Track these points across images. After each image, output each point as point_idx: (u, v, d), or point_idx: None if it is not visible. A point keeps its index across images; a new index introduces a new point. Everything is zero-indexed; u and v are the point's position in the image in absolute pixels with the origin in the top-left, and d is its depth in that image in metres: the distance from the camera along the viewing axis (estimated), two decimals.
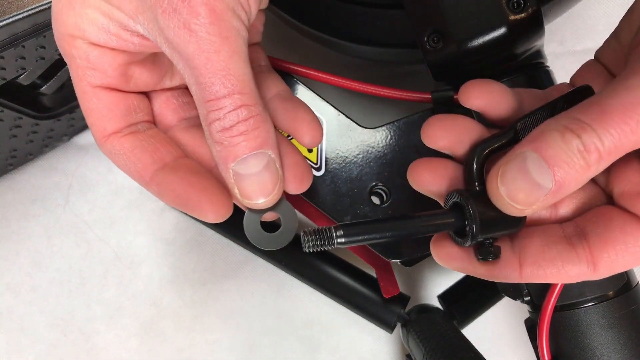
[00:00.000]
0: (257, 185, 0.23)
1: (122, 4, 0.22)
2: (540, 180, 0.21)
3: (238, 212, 0.44)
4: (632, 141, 0.20)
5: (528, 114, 0.24)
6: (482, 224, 0.23)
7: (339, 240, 0.23)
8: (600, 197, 0.25)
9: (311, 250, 0.23)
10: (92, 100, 0.24)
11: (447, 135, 0.25)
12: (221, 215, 0.24)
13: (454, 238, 0.25)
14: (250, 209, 0.24)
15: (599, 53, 0.28)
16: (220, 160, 0.23)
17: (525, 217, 0.24)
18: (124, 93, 0.25)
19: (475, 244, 0.24)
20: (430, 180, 0.25)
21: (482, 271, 0.25)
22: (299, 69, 0.29)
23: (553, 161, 0.20)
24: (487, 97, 0.26)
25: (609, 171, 0.24)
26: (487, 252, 0.24)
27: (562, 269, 0.23)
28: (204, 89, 0.21)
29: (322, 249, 0.23)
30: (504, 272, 0.24)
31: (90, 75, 0.24)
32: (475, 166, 0.24)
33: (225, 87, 0.21)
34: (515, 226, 0.24)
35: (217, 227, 0.44)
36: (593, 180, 0.25)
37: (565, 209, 0.25)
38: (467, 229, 0.23)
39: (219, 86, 0.21)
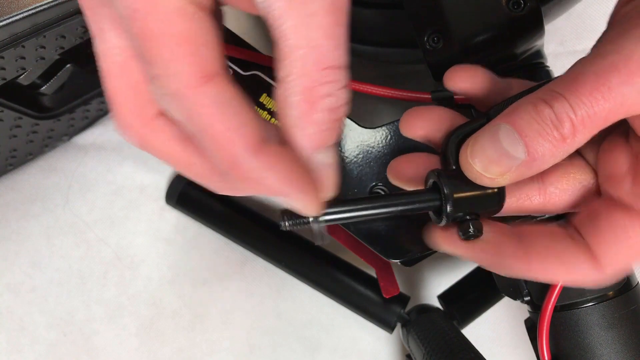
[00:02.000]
0: (333, 178, 0.21)
1: None
2: (511, 150, 0.20)
3: (238, 213, 0.44)
4: (605, 109, 0.19)
5: (505, 100, 0.23)
6: (455, 200, 0.22)
7: (317, 217, 0.21)
8: (596, 188, 0.24)
9: (288, 229, 0.21)
10: (190, 22, 0.17)
11: (425, 125, 0.25)
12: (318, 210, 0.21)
13: (433, 218, 0.24)
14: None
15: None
16: (308, 144, 0.19)
17: (504, 194, 0.23)
18: (214, 19, 0.19)
19: (456, 223, 0.23)
20: (409, 171, 0.25)
21: (485, 257, 0.23)
22: None
23: (525, 132, 0.20)
24: (471, 80, 0.25)
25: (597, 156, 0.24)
26: (466, 228, 0.23)
27: (568, 266, 0.22)
28: (322, 52, 0.18)
29: (300, 227, 0.21)
30: (509, 262, 0.23)
31: None
32: (449, 149, 0.23)
33: (340, 57, 0.18)
34: (493, 203, 0.23)
35: (217, 227, 0.44)
36: (590, 168, 0.24)
37: (561, 199, 0.24)
38: (442, 206, 0.23)
39: (337, 52, 0.18)
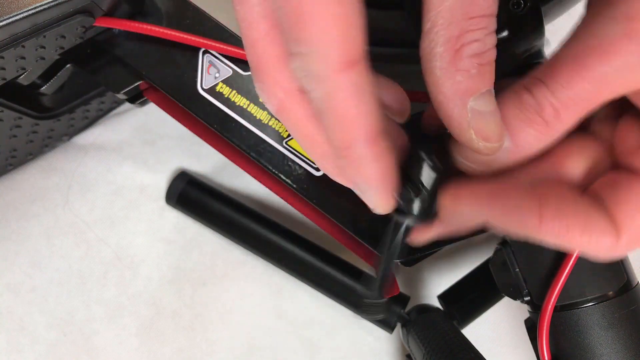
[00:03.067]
0: (495, 125, 0.20)
1: None
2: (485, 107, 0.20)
3: (238, 213, 0.44)
4: (587, 90, 0.19)
5: None
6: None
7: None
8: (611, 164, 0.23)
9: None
10: (346, 5, 0.17)
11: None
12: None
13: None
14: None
15: None
16: (459, 93, 0.19)
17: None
18: (362, 2, 0.18)
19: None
20: None
21: (500, 210, 0.21)
22: None
23: (508, 120, 0.20)
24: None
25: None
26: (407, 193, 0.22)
27: (585, 225, 0.20)
28: (472, 2, 0.18)
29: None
30: (523, 215, 0.21)
31: None
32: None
33: (490, 6, 0.18)
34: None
35: (217, 227, 0.44)
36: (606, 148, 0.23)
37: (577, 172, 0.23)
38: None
39: (486, 2, 0.18)
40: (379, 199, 0.21)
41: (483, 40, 0.19)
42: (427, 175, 0.21)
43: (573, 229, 0.20)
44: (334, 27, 0.17)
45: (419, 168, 0.21)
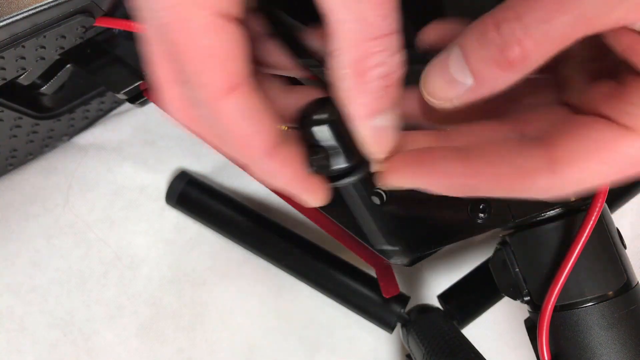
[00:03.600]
0: (390, 140, 0.21)
1: None
2: (458, 77, 0.20)
3: (238, 213, 0.44)
4: (563, 24, 0.17)
5: None
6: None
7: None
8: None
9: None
10: (218, 36, 0.18)
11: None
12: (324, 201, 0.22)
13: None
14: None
15: None
16: (363, 113, 0.20)
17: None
18: (241, 23, 0.19)
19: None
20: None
21: (430, 176, 0.22)
22: None
23: (470, 57, 0.19)
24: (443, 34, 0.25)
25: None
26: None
27: (519, 166, 0.20)
28: (368, 24, 0.18)
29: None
30: (451, 164, 0.21)
31: (222, 0, 0.18)
32: None
33: (390, 24, 0.18)
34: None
35: (217, 227, 0.44)
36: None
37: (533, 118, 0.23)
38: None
39: (385, 21, 0.18)
40: (304, 197, 0.22)
41: (387, 63, 0.19)
42: (320, 134, 0.21)
43: (505, 173, 0.20)
44: (209, 59, 0.18)
45: (310, 134, 0.21)
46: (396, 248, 0.29)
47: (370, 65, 0.19)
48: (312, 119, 0.20)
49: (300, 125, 0.21)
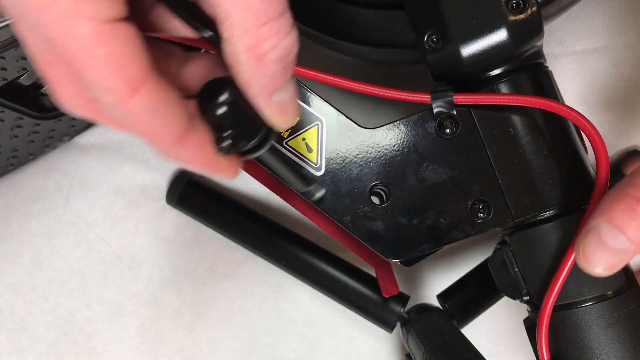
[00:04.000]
0: (294, 107, 0.23)
1: None
2: (619, 246, 0.24)
3: (238, 213, 0.44)
4: None
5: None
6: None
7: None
8: None
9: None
10: (109, 44, 0.18)
11: None
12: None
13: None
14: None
15: None
16: (264, 92, 0.21)
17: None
18: (128, 21, 0.19)
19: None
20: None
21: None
22: (299, 69, 0.29)
23: (625, 229, 0.24)
24: None
25: None
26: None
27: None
28: (256, 11, 0.19)
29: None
30: None
31: (102, 5, 0.18)
32: None
33: (277, 7, 0.19)
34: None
35: (218, 227, 0.44)
36: None
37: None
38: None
39: (270, 6, 0.19)
40: (219, 175, 0.23)
41: (282, 45, 0.20)
42: (225, 117, 0.21)
43: None
44: (105, 66, 0.18)
45: (214, 118, 0.21)
46: (313, 185, 0.29)
47: (265, 50, 0.19)
48: (215, 102, 0.21)
49: (202, 109, 0.21)
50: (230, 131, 0.21)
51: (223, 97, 0.21)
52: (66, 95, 0.22)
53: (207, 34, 0.21)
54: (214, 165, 0.22)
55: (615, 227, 0.24)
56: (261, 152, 0.23)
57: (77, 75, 0.19)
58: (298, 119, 0.23)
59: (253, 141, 0.22)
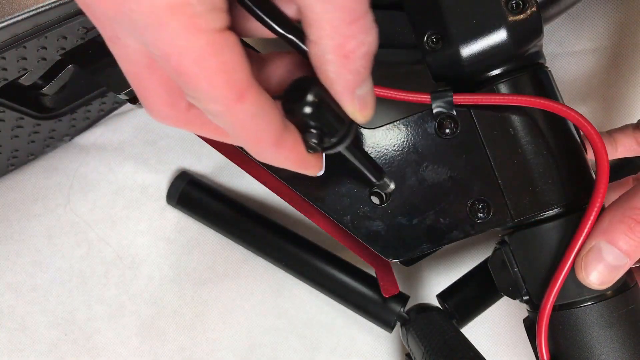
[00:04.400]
0: (373, 100, 0.23)
1: None
2: (617, 263, 0.27)
3: (238, 212, 0.44)
4: None
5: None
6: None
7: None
8: None
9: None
10: (220, 55, 0.19)
11: None
12: None
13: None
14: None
15: None
16: (348, 88, 0.21)
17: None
18: (235, 35, 0.19)
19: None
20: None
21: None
22: None
23: (625, 248, 0.26)
24: None
25: None
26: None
27: None
28: (346, 11, 0.19)
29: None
30: None
31: (213, 17, 0.18)
32: None
33: (361, 5, 0.20)
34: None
35: (218, 227, 0.44)
36: None
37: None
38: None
39: (359, 4, 0.19)
40: (307, 172, 0.24)
41: (366, 41, 0.21)
42: (312, 116, 0.22)
43: None
44: (216, 78, 0.19)
45: (302, 118, 0.22)
46: (386, 176, 0.29)
47: (352, 48, 0.20)
48: (302, 102, 0.21)
49: (289, 110, 0.22)
50: (317, 129, 0.22)
51: (310, 97, 0.21)
52: (159, 107, 0.22)
53: (287, 35, 0.21)
54: (305, 163, 0.23)
55: (615, 247, 0.26)
56: (344, 146, 0.24)
57: (182, 87, 0.20)
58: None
59: (338, 136, 0.23)
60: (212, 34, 0.18)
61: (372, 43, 0.21)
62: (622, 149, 0.35)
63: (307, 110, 0.21)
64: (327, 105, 0.22)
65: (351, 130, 0.23)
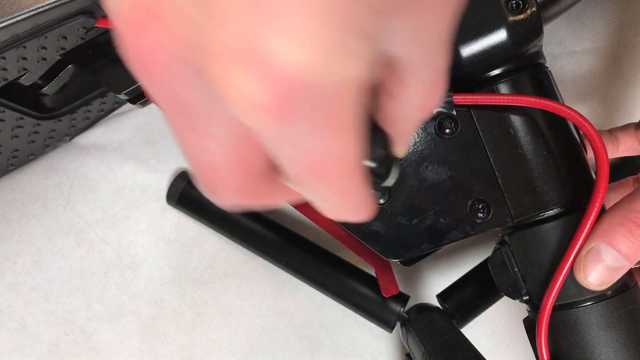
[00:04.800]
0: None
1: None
2: (617, 265, 0.27)
3: (238, 213, 0.44)
4: None
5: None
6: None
7: None
8: None
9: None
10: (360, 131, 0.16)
11: None
12: None
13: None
14: None
15: None
16: (408, 134, 0.20)
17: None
18: None
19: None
20: None
21: None
22: None
23: (624, 251, 0.27)
24: None
25: None
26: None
27: None
28: (438, 70, 0.17)
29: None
30: None
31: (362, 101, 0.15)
32: None
33: (447, 59, 0.18)
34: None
35: (218, 227, 0.44)
36: None
37: None
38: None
39: (446, 59, 0.17)
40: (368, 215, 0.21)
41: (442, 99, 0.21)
42: (381, 169, 0.21)
43: None
44: (347, 180, 0.16)
45: (372, 170, 0.21)
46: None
47: (432, 107, 0.19)
48: (390, 179, 0.21)
49: (374, 183, 0.21)
50: (381, 175, 0.22)
51: (396, 173, 0.21)
52: (233, 192, 0.18)
53: None
54: (370, 206, 0.20)
55: (615, 249, 0.27)
56: (392, 182, 0.22)
57: (307, 191, 0.17)
58: None
59: (390, 175, 0.23)
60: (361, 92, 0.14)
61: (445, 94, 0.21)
62: (624, 147, 0.35)
63: (391, 182, 0.21)
64: (391, 156, 0.21)
65: (395, 164, 0.23)
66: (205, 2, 0.12)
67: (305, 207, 0.36)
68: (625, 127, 0.35)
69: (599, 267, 0.27)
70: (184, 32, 0.13)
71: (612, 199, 0.29)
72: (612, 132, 0.35)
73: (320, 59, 0.12)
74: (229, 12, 0.12)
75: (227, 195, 0.18)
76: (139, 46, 0.13)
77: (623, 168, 0.41)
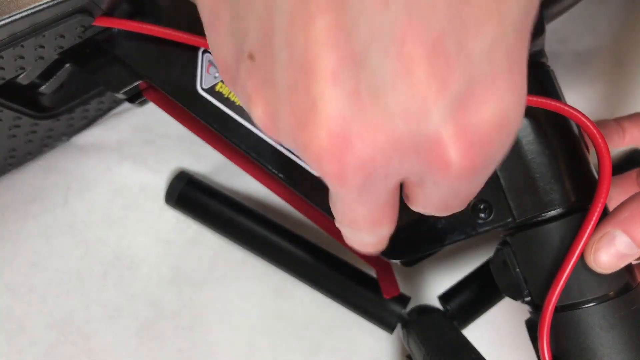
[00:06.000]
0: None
1: None
2: (629, 252, 0.27)
3: (238, 213, 0.44)
4: None
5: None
6: None
7: None
8: None
9: None
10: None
11: None
12: None
13: None
14: None
15: None
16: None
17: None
18: None
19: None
20: None
21: None
22: None
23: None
24: None
25: None
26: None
27: None
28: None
29: None
30: None
31: None
32: None
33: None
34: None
35: (217, 227, 0.43)
36: None
37: None
38: None
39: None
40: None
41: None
42: None
43: None
44: (374, 231, 0.20)
45: None
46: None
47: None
48: None
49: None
50: None
51: None
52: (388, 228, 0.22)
53: None
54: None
55: (628, 236, 0.27)
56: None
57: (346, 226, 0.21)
58: None
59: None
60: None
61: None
62: (630, 137, 0.35)
63: None
64: None
65: None
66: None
67: (305, 207, 0.35)
68: (632, 117, 0.35)
69: (611, 250, 0.27)
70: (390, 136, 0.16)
71: (615, 193, 0.29)
72: (619, 121, 0.35)
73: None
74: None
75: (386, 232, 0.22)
76: (342, 165, 0.16)
77: (629, 162, 0.41)
